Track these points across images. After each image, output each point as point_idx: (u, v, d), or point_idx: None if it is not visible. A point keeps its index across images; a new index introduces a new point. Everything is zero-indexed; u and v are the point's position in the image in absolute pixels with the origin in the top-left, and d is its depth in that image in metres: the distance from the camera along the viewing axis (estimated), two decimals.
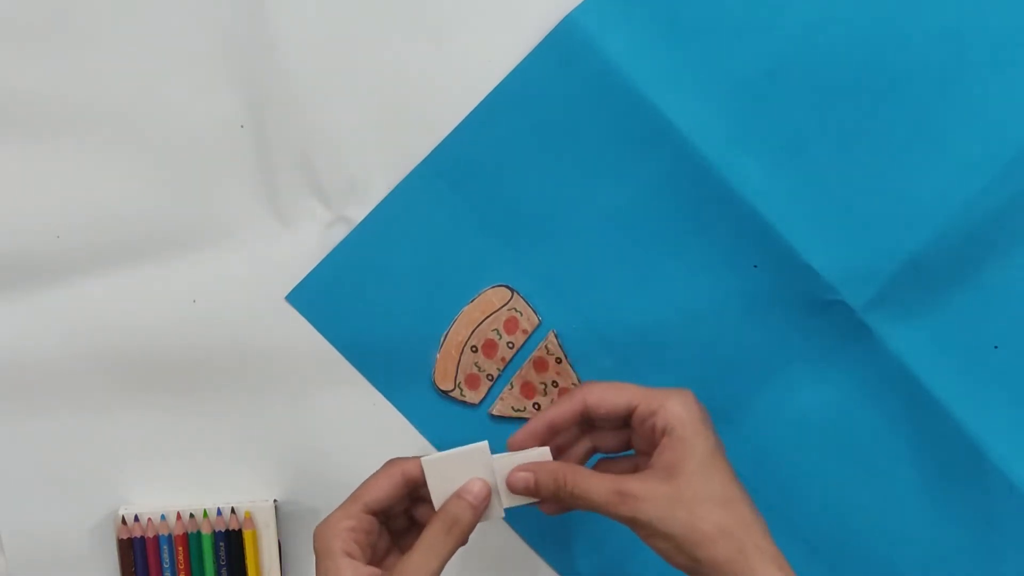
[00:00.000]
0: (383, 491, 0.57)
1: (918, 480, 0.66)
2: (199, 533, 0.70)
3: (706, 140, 0.64)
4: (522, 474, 0.57)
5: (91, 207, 0.68)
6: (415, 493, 0.59)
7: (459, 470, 0.58)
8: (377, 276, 0.68)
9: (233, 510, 0.70)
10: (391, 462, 0.59)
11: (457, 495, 0.57)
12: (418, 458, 0.58)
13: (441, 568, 0.55)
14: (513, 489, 0.57)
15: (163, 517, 0.70)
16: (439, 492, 0.57)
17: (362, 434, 0.70)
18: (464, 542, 0.57)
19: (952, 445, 0.64)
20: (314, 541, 0.56)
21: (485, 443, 0.58)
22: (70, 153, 0.67)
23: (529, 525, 0.70)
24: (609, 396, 0.57)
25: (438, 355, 0.69)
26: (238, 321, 0.69)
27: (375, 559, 0.58)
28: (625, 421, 0.58)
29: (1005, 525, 0.65)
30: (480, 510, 0.57)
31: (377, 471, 0.58)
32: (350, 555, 0.55)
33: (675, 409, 0.55)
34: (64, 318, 0.69)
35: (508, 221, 0.67)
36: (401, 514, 0.61)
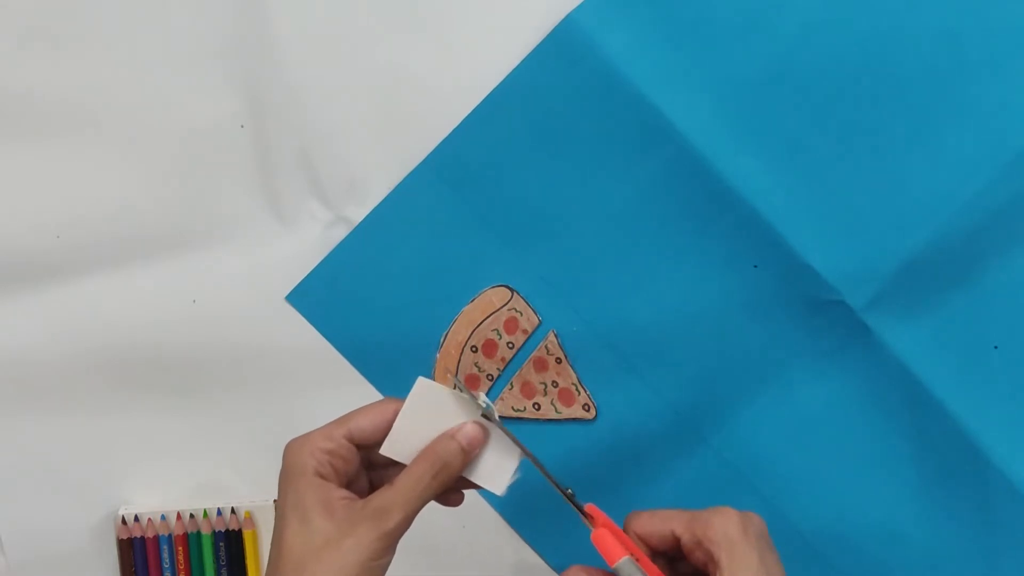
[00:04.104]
0: (371, 422, 0.52)
1: (918, 480, 0.66)
2: (199, 533, 0.70)
3: (706, 140, 0.64)
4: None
5: (91, 207, 0.68)
6: None
7: (447, 412, 0.53)
8: (377, 276, 0.68)
9: (233, 510, 0.70)
10: (388, 399, 0.54)
11: (449, 435, 0.52)
12: None
13: (418, 509, 0.51)
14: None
15: (163, 517, 0.70)
16: (411, 416, 0.52)
17: None
18: (446, 487, 0.52)
19: (952, 445, 0.64)
20: (284, 455, 0.52)
21: (484, 397, 0.53)
22: (70, 153, 0.67)
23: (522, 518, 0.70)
24: (654, 526, 0.52)
25: (438, 355, 0.69)
26: (238, 321, 0.69)
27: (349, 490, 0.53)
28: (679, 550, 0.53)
29: (1005, 525, 0.65)
30: (470, 457, 0.52)
31: (372, 403, 0.54)
32: (322, 476, 0.51)
33: (716, 538, 0.50)
34: (64, 318, 0.69)
35: (508, 221, 0.67)
36: (383, 467, 0.55)
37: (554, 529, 0.70)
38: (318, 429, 0.52)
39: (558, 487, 0.52)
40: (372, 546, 0.49)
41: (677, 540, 0.51)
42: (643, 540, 0.52)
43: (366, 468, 0.54)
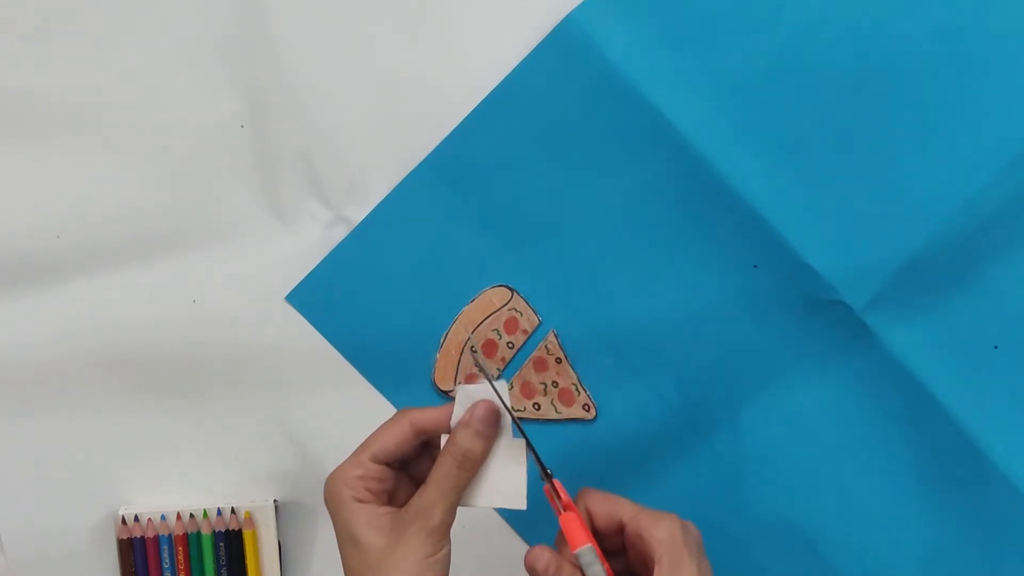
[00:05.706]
0: (391, 440, 0.55)
1: (918, 480, 0.66)
2: (199, 533, 0.70)
3: (706, 140, 0.64)
4: (544, 557, 0.54)
5: (90, 207, 0.68)
6: (431, 441, 0.57)
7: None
8: (377, 276, 0.68)
9: (233, 510, 0.70)
10: (402, 411, 0.57)
11: (463, 423, 0.55)
12: (428, 408, 0.56)
13: (456, 501, 0.54)
14: (529, 566, 0.55)
15: (163, 517, 0.70)
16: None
17: (362, 434, 0.69)
18: (475, 472, 0.55)
19: (952, 445, 0.64)
20: (325, 493, 0.55)
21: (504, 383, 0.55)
22: (70, 153, 0.67)
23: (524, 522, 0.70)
24: (603, 509, 0.56)
25: (438, 355, 0.69)
26: (238, 321, 0.69)
27: (392, 505, 0.56)
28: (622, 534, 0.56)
29: (1005, 525, 0.65)
30: (488, 436, 0.55)
31: (387, 420, 0.57)
32: (362, 501, 0.54)
33: (661, 536, 0.54)
34: (64, 318, 0.69)
35: (508, 221, 0.67)
36: (420, 459, 0.58)
37: (554, 530, 0.70)
38: (346, 459, 0.56)
39: (540, 464, 0.55)
40: (424, 545, 0.53)
41: (620, 527, 0.55)
42: (590, 517, 0.56)
43: (411, 480, 0.58)
